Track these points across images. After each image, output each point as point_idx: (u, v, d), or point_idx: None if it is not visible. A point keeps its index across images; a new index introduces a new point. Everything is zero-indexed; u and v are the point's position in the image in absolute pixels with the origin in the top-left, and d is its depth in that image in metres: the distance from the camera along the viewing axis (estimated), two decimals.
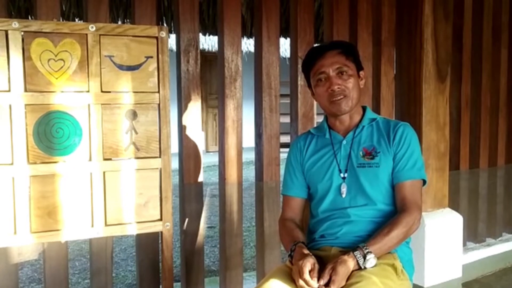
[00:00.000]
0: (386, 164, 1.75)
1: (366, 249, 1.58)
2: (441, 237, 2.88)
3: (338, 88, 1.75)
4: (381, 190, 1.75)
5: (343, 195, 1.76)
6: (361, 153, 1.78)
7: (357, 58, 1.83)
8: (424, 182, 1.80)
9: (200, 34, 2.66)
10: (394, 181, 1.76)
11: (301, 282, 1.53)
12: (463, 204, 3.46)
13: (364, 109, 1.87)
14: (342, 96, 1.76)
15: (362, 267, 1.57)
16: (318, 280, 1.52)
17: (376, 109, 2.90)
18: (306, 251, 1.63)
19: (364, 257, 1.57)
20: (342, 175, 1.78)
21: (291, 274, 1.60)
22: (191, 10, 2.36)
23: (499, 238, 3.67)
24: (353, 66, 1.79)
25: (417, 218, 1.72)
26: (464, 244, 3.32)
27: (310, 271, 1.54)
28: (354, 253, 1.57)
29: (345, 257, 1.56)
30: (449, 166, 3.02)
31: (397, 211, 1.75)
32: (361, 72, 1.84)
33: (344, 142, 1.81)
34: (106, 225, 1.89)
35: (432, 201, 2.89)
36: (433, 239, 2.81)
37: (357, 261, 1.56)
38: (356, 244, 1.64)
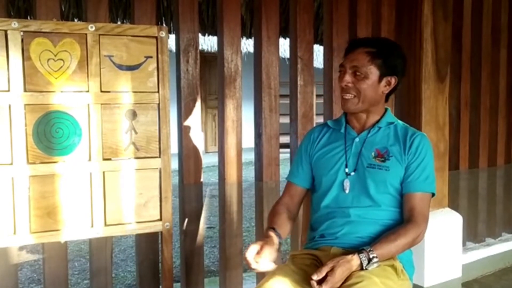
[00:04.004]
0: (396, 169, 1.73)
1: (371, 253, 1.57)
2: (441, 237, 2.88)
3: (346, 86, 1.75)
4: (386, 194, 1.74)
5: (346, 191, 1.75)
6: (373, 153, 1.76)
7: (388, 63, 1.75)
8: (433, 195, 1.79)
9: (200, 35, 2.65)
10: (404, 190, 1.74)
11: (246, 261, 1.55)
12: (463, 204, 3.46)
13: (385, 110, 1.85)
14: (350, 95, 1.75)
15: (364, 269, 1.56)
16: (314, 274, 1.52)
17: None
18: (269, 236, 1.66)
19: (369, 260, 1.56)
20: (347, 171, 1.77)
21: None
22: (190, 10, 2.36)
23: (499, 238, 3.67)
24: (375, 70, 1.73)
25: (423, 231, 1.71)
26: (464, 244, 3.32)
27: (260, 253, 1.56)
28: (360, 255, 1.56)
29: (349, 257, 1.55)
30: (448, 166, 3.02)
31: (401, 217, 1.74)
32: (387, 78, 1.77)
33: (357, 139, 1.81)
34: (105, 225, 1.89)
35: (432, 201, 2.87)
36: (433, 239, 2.80)
37: (361, 262, 1.56)
38: (358, 246, 1.64)
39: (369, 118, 1.82)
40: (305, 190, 1.91)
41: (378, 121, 1.81)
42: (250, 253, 1.55)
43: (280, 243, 1.69)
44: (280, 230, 1.75)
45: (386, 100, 1.85)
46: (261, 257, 1.56)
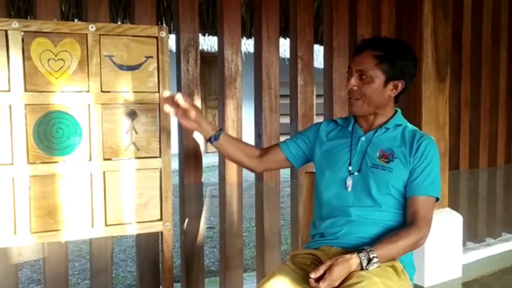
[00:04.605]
0: (399, 172, 1.73)
1: (372, 253, 1.57)
2: (441, 237, 2.88)
3: (352, 89, 1.75)
4: (388, 195, 1.73)
5: (349, 189, 1.75)
6: (377, 154, 1.76)
7: (395, 67, 1.73)
8: (437, 200, 1.78)
9: (200, 35, 2.65)
10: (408, 193, 1.73)
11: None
12: (463, 204, 3.46)
13: (395, 112, 1.85)
14: (355, 98, 1.76)
15: (364, 269, 1.56)
16: (311, 272, 1.52)
17: None
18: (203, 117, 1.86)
19: (369, 261, 1.56)
20: (351, 169, 1.77)
21: None
22: (190, 10, 2.36)
23: (499, 238, 3.67)
24: (381, 74, 1.72)
25: (426, 235, 1.70)
26: (464, 244, 3.32)
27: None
28: (359, 254, 1.56)
29: (348, 256, 1.55)
30: (448, 166, 3.02)
31: (403, 219, 1.74)
32: (394, 82, 1.75)
33: (363, 139, 1.81)
34: (106, 225, 1.89)
35: None
36: (433, 239, 2.78)
37: (361, 262, 1.55)
38: (358, 246, 1.63)
39: (376, 119, 1.82)
40: (283, 157, 1.95)
41: (386, 122, 1.81)
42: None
43: (210, 139, 1.87)
44: (224, 136, 1.89)
45: (396, 101, 1.85)
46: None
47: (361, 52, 1.76)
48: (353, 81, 1.75)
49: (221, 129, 1.91)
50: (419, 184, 1.72)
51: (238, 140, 1.95)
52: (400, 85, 1.77)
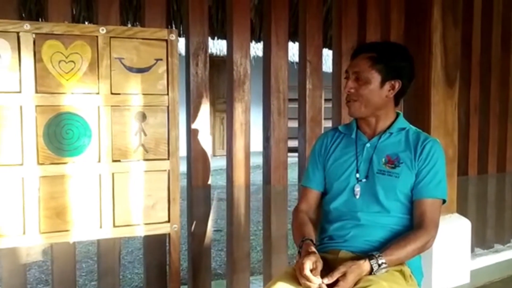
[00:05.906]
0: (406, 176, 1.72)
1: (380, 258, 1.57)
2: (449, 243, 2.86)
3: (349, 92, 1.76)
4: (395, 201, 1.73)
5: (357, 196, 1.75)
6: (383, 159, 1.76)
7: (390, 67, 1.74)
8: (444, 201, 1.77)
9: (209, 38, 2.66)
10: (415, 196, 1.73)
11: (302, 279, 1.52)
12: (471, 210, 3.44)
13: (397, 115, 1.84)
14: (353, 101, 1.76)
15: (373, 274, 1.56)
16: (325, 277, 1.51)
17: None
18: (311, 249, 1.61)
19: (379, 266, 1.56)
20: (358, 176, 1.77)
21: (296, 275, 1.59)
22: (200, 14, 2.37)
23: (508, 244, 3.65)
24: (377, 75, 1.73)
25: (433, 237, 1.70)
26: (472, 250, 3.29)
27: (312, 270, 1.52)
28: (371, 261, 1.56)
29: (360, 262, 1.55)
30: (457, 171, 3.01)
31: (410, 224, 1.73)
32: (391, 82, 1.75)
33: (368, 145, 1.80)
34: (114, 226, 1.90)
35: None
36: (441, 245, 2.79)
37: (372, 268, 1.56)
38: (366, 249, 1.64)
39: (379, 123, 1.81)
40: (321, 194, 1.90)
41: (389, 127, 1.81)
42: (308, 270, 1.51)
43: None
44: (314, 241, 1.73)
45: (397, 104, 1.84)
46: (317, 273, 1.52)
47: (357, 56, 1.78)
48: (350, 83, 1.75)
49: (308, 239, 1.71)
50: (425, 186, 1.72)
51: (308, 226, 1.79)
52: (397, 85, 1.76)
